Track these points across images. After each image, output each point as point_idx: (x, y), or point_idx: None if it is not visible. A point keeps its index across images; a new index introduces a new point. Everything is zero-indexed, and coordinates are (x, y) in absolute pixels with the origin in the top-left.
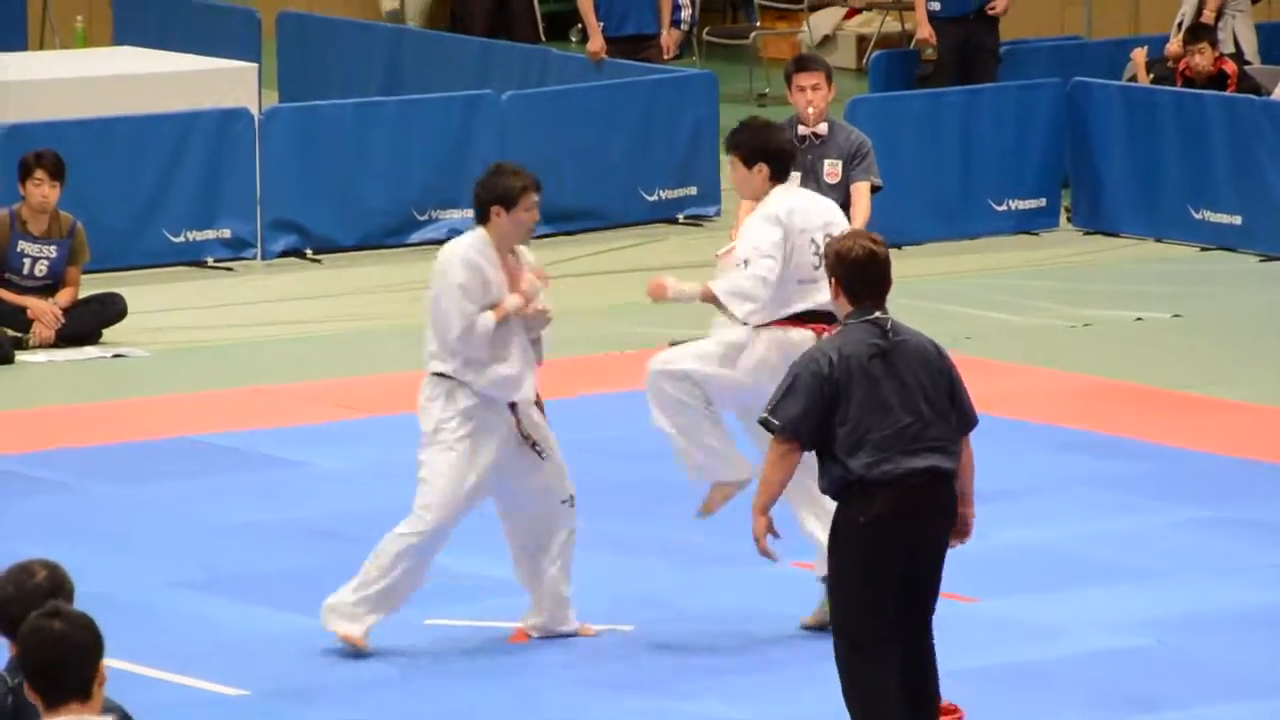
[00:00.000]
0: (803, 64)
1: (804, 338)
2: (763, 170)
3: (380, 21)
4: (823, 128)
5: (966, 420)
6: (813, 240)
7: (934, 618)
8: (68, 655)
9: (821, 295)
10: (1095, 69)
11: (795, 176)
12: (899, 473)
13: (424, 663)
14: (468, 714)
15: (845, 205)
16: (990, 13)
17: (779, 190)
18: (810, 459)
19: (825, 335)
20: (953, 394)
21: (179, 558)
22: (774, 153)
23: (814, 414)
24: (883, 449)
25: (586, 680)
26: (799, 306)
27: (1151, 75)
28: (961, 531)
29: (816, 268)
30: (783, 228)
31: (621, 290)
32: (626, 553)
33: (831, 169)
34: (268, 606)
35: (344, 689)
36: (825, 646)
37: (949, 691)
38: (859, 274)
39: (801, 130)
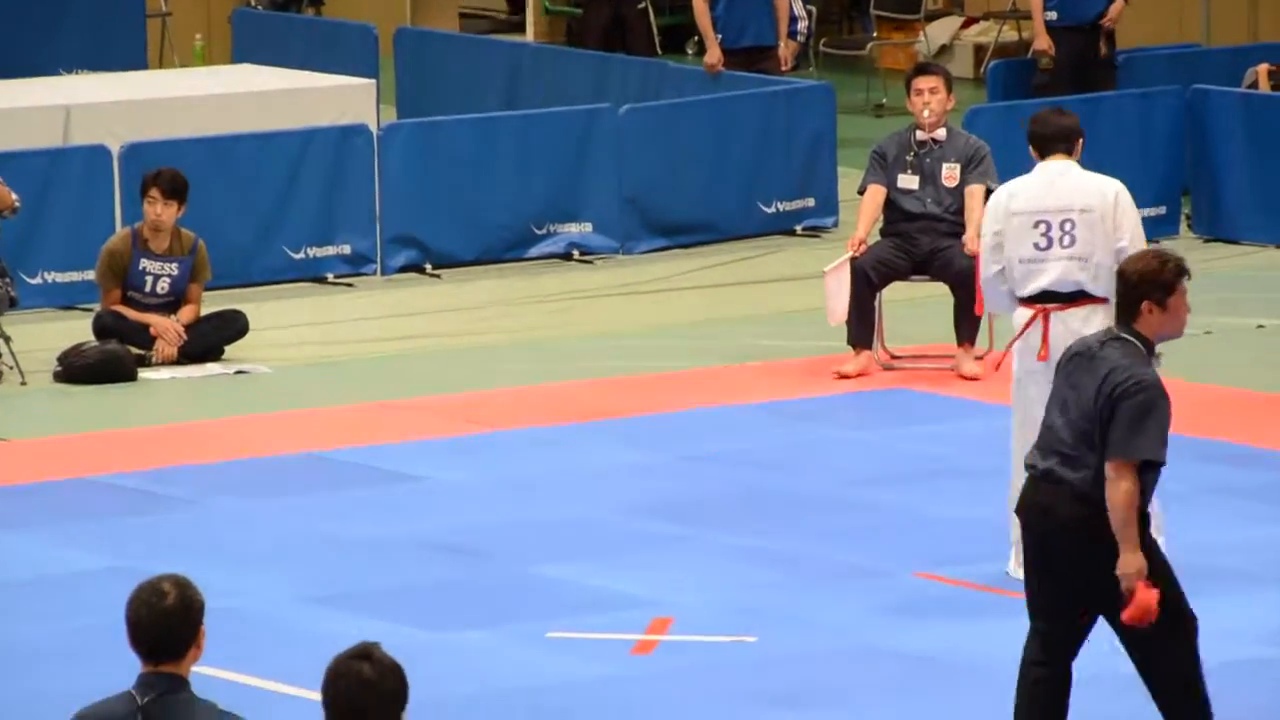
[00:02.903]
0: (922, 68)
1: (1021, 317)
2: (1032, 151)
3: (497, 37)
4: (941, 133)
5: (1110, 447)
6: (1040, 223)
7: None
8: (374, 703)
9: (1045, 276)
10: (1213, 76)
11: (1050, 164)
12: (1028, 466)
13: (546, 676)
14: None
15: (962, 208)
16: (1104, 24)
17: (1035, 169)
18: None
19: (1053, 313)
20: (1110, 416)
21: (302, 573)
22: (1028, 136)
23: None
24: (1036, 444)
25: (711, 692)
26: (1026, 288)
27: (1272, 83)
28: (1128, 604)
29: (1043, 248)
30: (993, 212)
31: (739, 303)
32: (748, 563)
33: (949, 173)
34: (390, 621)
35: (467, 703)
36: (946, 659)
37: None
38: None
39: (920, 136)
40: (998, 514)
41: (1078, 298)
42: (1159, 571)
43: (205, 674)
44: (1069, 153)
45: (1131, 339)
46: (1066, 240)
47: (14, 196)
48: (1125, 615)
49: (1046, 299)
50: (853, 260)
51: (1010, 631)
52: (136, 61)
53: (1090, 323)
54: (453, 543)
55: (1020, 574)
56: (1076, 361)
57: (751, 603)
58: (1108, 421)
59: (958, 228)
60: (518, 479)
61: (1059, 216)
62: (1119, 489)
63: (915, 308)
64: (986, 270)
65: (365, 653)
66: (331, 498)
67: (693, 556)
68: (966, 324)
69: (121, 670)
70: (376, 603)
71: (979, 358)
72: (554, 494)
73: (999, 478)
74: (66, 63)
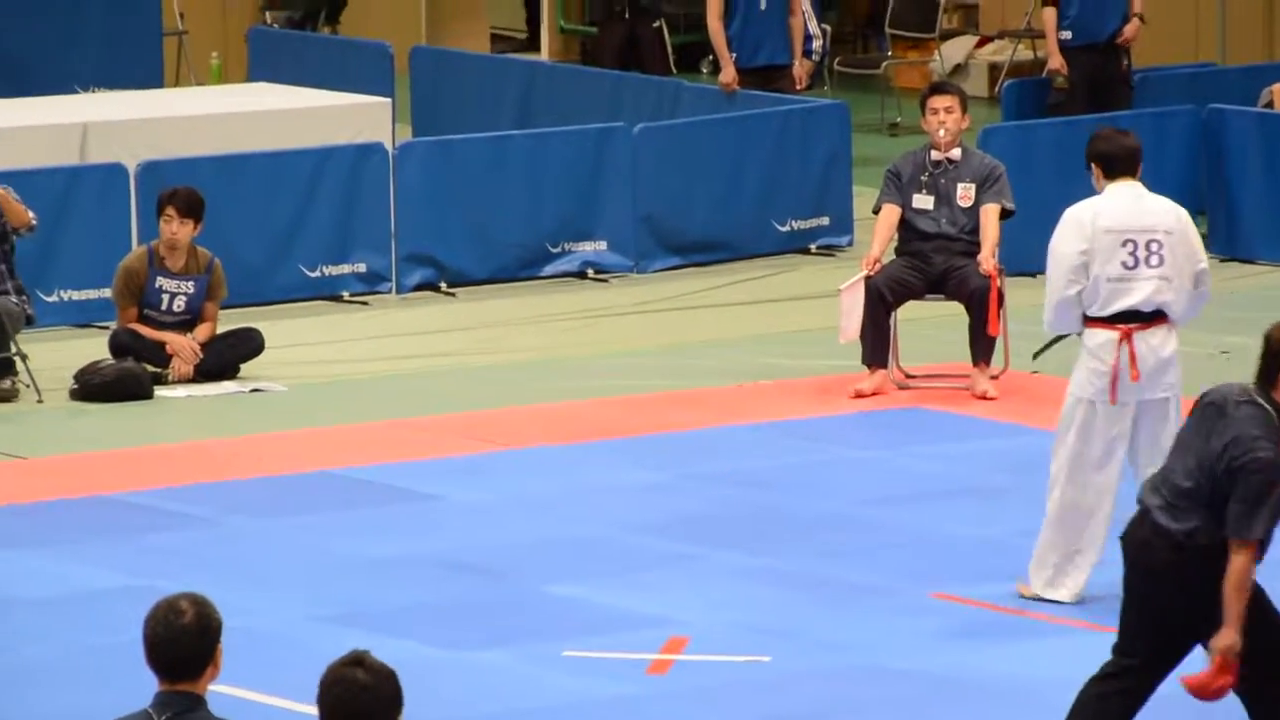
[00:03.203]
0: (937, 88)
1: (1101, 341)
2: (1095, 170)
3: (513, 55)
4: (956, 153)
5: (1228, 523)
6: (1128, 241)
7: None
8: (371, 708)
9: (1133, 295)
10: (1229, 95)
11: (1123, 185)
12: (1139, 500)
13: (563, 695)
14: None
15: (977, 228)
16: (1120, 43)
17: (1107, 189)
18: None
19: (1135, 334)
20: (1229, 484)
21: (317, 591)
22: (1096, 154)
23: None
24: (1152, 479)
25: (727, 712)
26: (1109, 307)
27: None
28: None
29: (1131, 267)
30: (1078, 231)
31: (753, 321)
32: (762, 583)
33: (964, 192)
34: (405, 640)
35: None
36: (961, 680)
37: None
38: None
39: (935, 155)
40: (1014, 534)
41: (1155, 317)
42: (1266, 615)
43: (222, 692)
44: (1135, 174)
45: (1267, 406)
46: (1155, 260)
47: (30, 215)
48: (1184, 679)
49: (1127, 319)
50: (867, 279)
51: (1027, 652)
52: (153, 80)
53: (1168, 343)
54: (467, 561)
55: (1041, 593)
56: (1210, 411)
57: (766, 622)
58: (1224, 487)
59: (973, 247)
60: (532, 498)
61: (1144, 237)
62: (1235, 564)
63: (930, 327)
64: (1066, 290)
65: (358, 659)
66: (346, 516)
67: (707, 576)
68: (982, 343)
69: (138, 689)
70: (391, 621)
71: (994, 377)
72: (568, 513)
73: (1015, 497)
74: (83, 80)
